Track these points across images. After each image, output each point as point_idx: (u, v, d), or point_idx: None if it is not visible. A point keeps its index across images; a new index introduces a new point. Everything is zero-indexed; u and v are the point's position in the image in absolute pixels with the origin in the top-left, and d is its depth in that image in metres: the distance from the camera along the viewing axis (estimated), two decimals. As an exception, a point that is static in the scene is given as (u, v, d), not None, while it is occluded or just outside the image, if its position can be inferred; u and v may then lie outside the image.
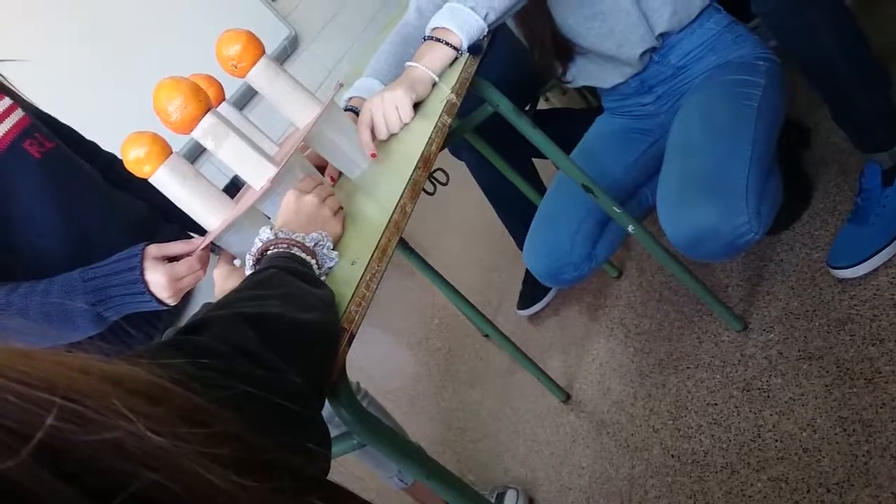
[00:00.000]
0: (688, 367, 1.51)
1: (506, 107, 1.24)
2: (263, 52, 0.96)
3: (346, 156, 1.06)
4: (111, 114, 2.45)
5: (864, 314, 1.28)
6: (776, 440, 1.24)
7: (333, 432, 0.59)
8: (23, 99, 1.12)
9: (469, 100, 1.12)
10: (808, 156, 1.68)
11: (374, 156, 1.06)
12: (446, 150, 1.96)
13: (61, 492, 0.22)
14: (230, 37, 0.94)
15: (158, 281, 0.90)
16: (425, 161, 0.95)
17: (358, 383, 1.38)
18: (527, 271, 2.08)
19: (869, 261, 1.31)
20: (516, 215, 2.01)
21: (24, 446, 0.22)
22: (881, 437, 1.11)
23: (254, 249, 0.79)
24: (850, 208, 1.40)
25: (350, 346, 0.70)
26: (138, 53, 2.67)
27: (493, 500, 1.60)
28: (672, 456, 1.38)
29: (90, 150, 1.22)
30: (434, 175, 1.49)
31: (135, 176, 0.98)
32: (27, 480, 0.22)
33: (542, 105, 2.94)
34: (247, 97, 2.87)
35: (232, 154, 0.87)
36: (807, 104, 1.73)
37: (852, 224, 1.36)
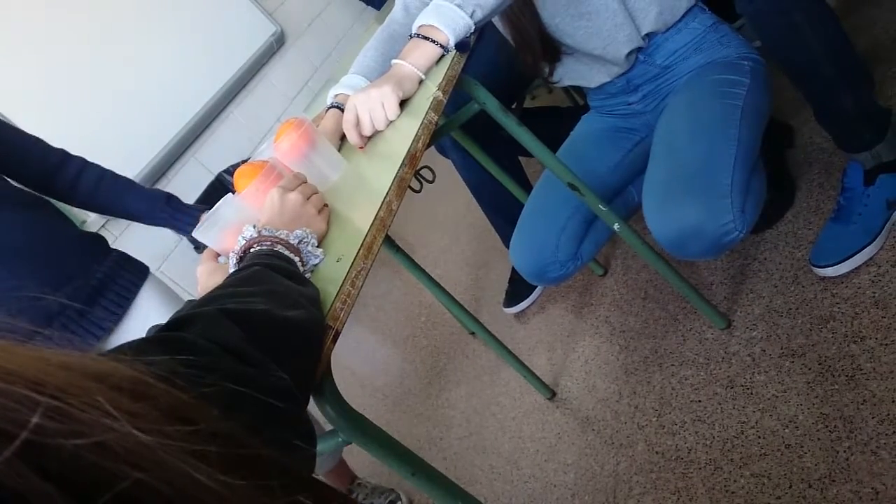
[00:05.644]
0: (672, 365, 1.52)
1: (492, 105, 1.24)
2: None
3: (316, 168, 1.05)
4: (90, 109, 2.43)
5: (846, 312, 1.29)
6: (759, 436, 1.25)
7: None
8: None
9: (456, 97, 1.12)
10: (791, 155, 1.69)
11: (362, 148, 1.06)
12: (433, 147, 1.96)
13: (46, 492, 0.22)
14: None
15: None
16: (411, 158, 0.95)
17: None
18: (513, 269, 2.09)
19: (851, 259, 1.32)
20: (502, 213, 2.02)
21: (9, 446, 0.22)
22: (862, 434, 1.12)
23: (237, 247, 0.79)
24: (832, 207, 1.42)
25: (335, 343, 0.70)
26: (121, 50, 2.64)
27: None
28: (656, 452, 1.39)
29: (39, 152, 1.22)
30: (420, 173, 1.49)
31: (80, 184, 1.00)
32: (12, 480, 0.21)
33: (528, 103, 2.95)
34: (237, 88, 2.85)
35: None
36: (791, 104, 1.74)
37: (835, 223, 1.37)
